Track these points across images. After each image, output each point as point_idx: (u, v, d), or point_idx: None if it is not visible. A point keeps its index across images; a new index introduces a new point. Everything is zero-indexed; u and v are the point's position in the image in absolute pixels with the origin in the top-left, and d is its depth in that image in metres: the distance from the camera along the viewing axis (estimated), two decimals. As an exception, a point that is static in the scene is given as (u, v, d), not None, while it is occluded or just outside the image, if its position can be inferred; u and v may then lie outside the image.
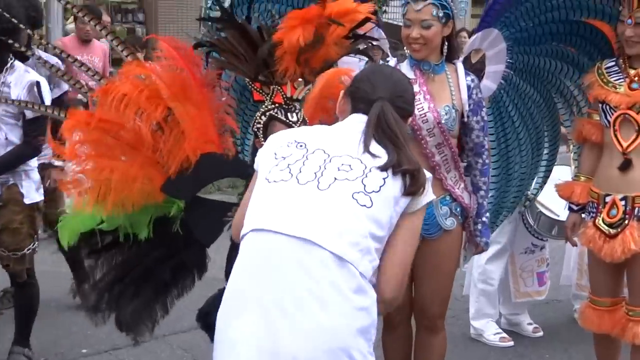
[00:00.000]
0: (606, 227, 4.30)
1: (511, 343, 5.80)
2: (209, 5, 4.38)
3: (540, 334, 5.98)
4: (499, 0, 4.29)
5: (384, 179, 2.84)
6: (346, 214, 2.79)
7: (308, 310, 2.71)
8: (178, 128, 3.65)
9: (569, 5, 4.33)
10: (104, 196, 3.60)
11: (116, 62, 9.83)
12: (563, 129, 4.93)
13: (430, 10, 3.99)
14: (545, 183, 4.88)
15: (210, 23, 4.14)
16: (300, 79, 3.80)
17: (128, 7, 19.27)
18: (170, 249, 3.85)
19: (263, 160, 2.99)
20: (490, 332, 5.84)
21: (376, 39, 4.14)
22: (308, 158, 2.89)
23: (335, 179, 2.83)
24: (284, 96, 3.79)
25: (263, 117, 3.80)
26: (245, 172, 3.54)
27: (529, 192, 4.97)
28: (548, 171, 4.83)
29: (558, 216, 5.47)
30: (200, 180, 3.71)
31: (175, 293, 3.96)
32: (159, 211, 3.75)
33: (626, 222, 4.25)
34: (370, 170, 2.85)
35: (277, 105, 3.79)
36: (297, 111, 3.80)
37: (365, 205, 2.79)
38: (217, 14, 4.00)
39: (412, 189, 2.91)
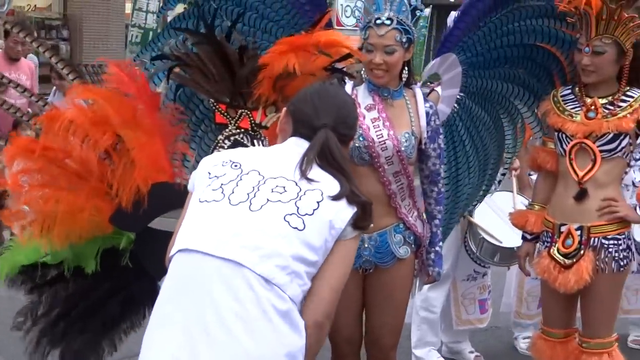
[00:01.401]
0: (561, 257, 4.25)
1: (453, 372, 5.68)
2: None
3: (482, 361, 5.87)
4: (458, 26, 4.26)
5: (318, 202, 2.79)
6: (276, 236, 2.73)
7: (233, 335, 2.64)
8: (128, 156, 3.51)
9: (524, 30, 4.30)
10: (49, 228, 3.44)
11: (43, 79, 9.52)
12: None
13: (394, 35, 3.90)
14: (480, 202, 4.86)
15: (179, 36, 3.96)
16: (272, 106, 3.68)
17: (52, 22, 18.87)
18: (119, 282, 3.72)
19: (197, 181, 2.93)
20: (433, 360, 5.70)
21: (351, 75, 4.03)
22: (242, 179, 2.83)
23: (268, 200, 2.78)
24: (252, 122, 3.68)
25: (227, 141, 3.68)
26: None
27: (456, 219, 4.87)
28: (485, 193, 4.79)
29: (501, 243, 5.43)
30: (151, 212, 3.55)
31: (124, 327, 3.81)
32: (107, 243, 3.62)
33: (582, 252, 4.20)
34: (304, 193, 2.79)
35: (242, 130, 3.68)
36: (262, 139, 3.69)
37: (297, 228, 2.74)
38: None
39: (363, 223, 2.88)
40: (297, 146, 2.93)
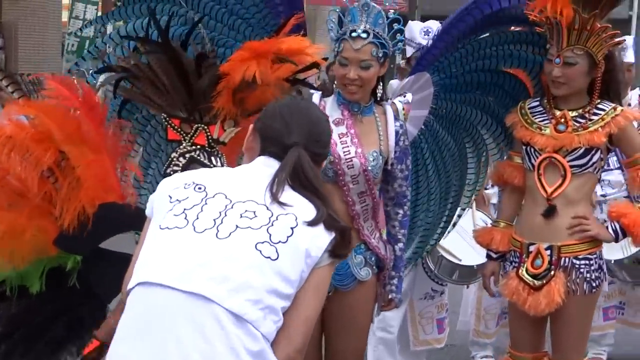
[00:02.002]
0: (530, 279, 4.08)
1: (410, 393, 5.52)
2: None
3: (440, 383, 5.68)
4: (437, 45, 4.09)
5: (292, 228, 2.54)
6: (247, 267, 2.47)
7: None
8: (73, 174, 3.27)
9: (501, 55, 4.17)
10: None
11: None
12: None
13: (370, 49, 3.71)
14: (443, 233, 4.64)
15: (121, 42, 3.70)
16: (231, 120, 3.45)
17: (-14, 29, 18.41)
18: (66, 302, 3.49)
19: (156, 205, 2.66)
20: (389, 382, 5.53)
21: (311, 85, 3.82)
22: (207, 203, 2.57)
23: (237, 226, 2.52)
24: (209, 137, 3.44)
25: (182, 158, 3.45)
26: None
27: (425, 249, 4.71)
28: (448, 222, 4.58)
29: (460, 260, 5.28)
30: (98, 234, 3.33)
31: (71, 350, 3.54)
32: (53, 262, 3.39)
33: (552, 273, 4.03)
34: (277, 219, 2.54)
35: (198, 147, 3.44)
36: (220, 156, 3.46)
37: (270, 257, 2.49)
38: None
39: (342, 251, 2.65)
40: (267, 166, 2.69)
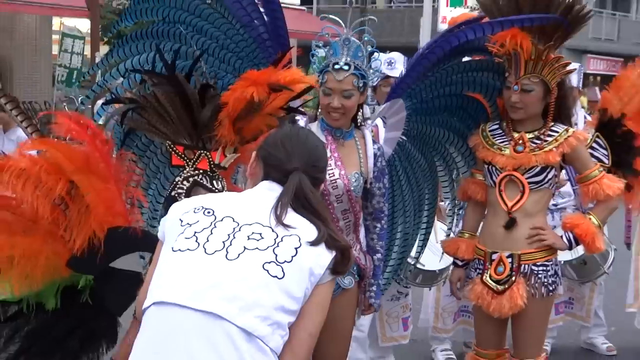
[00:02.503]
0: (494, 284, 3.97)
1: (380, 384, 5.41)
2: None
3: (405, 374, 5.57)
4: (410, 74, 3.95)
5: (296, 248, 2.42)
6: (256, 286, 2.34)
7: None
8: (83, 202, 3.11)
9: (465, 81, 4.05)
10: (7, 273, 3.03)
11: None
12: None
13: (352, 80, 3.59)
14: (425, 245, 4.51)
15: (135, 77, 3.56)
16: (231, 147, 3.33)
17: (-16, 61, 18.20)
18: (79, 318, 3.31)
19: (168, 229, 2.52)
20: (361, 375, 5.41)
21: (302, 112, 3.68)
22: (216, 226, 2.44)
23: (245, 248, 2.39)
24: (211, 163, 3.30)
25: (186, 182, 3.31)
26: (155, 246, 2.94)
27: (410, 259, 4.57)
28: (428, 234, 4.47)
29: (423, 266, 5.12)
30: (108, 256, 3.15)
31: None
32: (67, 281, 3.22)
33: (513, 278, 3.93)
34: (282, 240, 2.42)
35: (201, 171, 3.31)
36: (220, 179, 3.33)
37: (276, 277, 2.36)
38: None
39: (342, 268, 2.53)
40: (270, 190, 2.56)
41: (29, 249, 3.04)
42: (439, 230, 5.17)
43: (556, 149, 3.84)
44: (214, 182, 3.30)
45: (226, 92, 3.29)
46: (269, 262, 2.37)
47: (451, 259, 4.33)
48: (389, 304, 5.45)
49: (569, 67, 3.86)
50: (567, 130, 3.89)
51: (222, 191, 3.29)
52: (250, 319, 2.30)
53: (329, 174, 3.58)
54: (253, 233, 2.42)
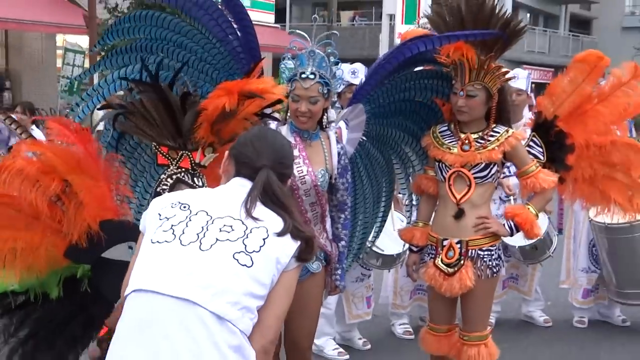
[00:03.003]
0: (445, 267, 3.91)
1: (347, 356, 5.32)
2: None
3: (369, 346, 5.55)
4: (369, 82, 3.87)
5: (264, 239, 2.35)
6: (227, 274, 2.28)
7: None
8: (77, 198, 3.03)
9: (417, 87, 3.98)
10: (11, 264, 2.95)
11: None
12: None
13: (317, 87, 3.53)
14: (381, 230, 4.45)
15: (126, 85, 3.48)
16: (209, 147, 3.25)
17: (-4, 76, 17.95)
18: (81, 304, 3.23)
19: (148, 222, 2.45)
20: (330, 348, 5.36)
21: (275, 118, 3.58)
22: (191, 219, 2.37)
23: (217, 239, 2.33)
24: (192, 162, 3.23)
25: (170, 179, 3.23)
26: None
27: (369, 240, 4.46)
28: (384, 220, 4.40)
29: (383, 250, 5.10)
30: (101, 246, 3.07)
31: (87, 344, 3.32)
32: (67, 272, 3.15)
33: (462, 262, 3.87)
34: (251, 231, 2.35)
35: (183, 169, 3.23)
36: (201, 176, 3.25)
37: (245, 265, 2.30)
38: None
39: (307, 256, 2.47)
40: (241, 186, 2.49)
41: (30, 242, 2.97)
42: (396, 219, 5.12)
43: (498, 148, 3.79)
44: (195, 179, 3.24)
45: (204, 99, 3.22)
46: (239, 252, 2.31)
47: (407, 245, 4.27)
48: (354, 285, 5.40)
49: (508, 75, 3.81)
50: (507, 131, 3.83)
51: (202, 187, 3.22)
52: (221, 304, 2.24)
53: (297, 171, 3.53)
54: (225, 225, 2.36)
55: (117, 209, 3.11)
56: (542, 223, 5.74)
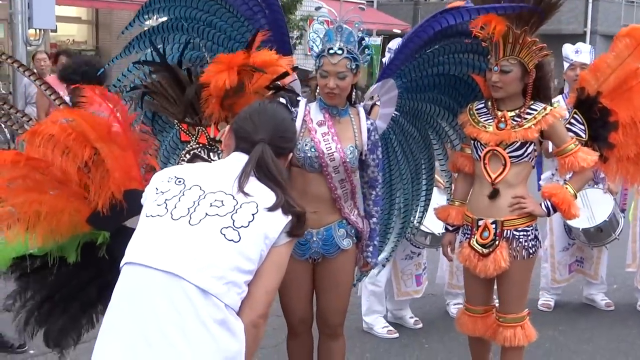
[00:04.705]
0: (480, 247, 3.83)
1: (396, 335, 5.30)
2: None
3: (420, 325, 5.50)
4: (398, 57, 3.81)
5: (253, 214, 2.35)
6: (213, 249, 2.29)
7: (172, 342, 2.21)
8: (103, 167, 3.09)
9: (451, 62, 3.89)
10: (34, 227, 3.03)
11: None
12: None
13: (345, 63, 3.49)
14: (427, 210, 4.35)
15: (145, 66, 3.52)
16: (223, 122, 3.25)
17: (87, 53, 18.45)
18: (97, 270, 3.29)
19: (148, 196, 2.48)
20: (379, 326, 5.35)
21: (294, 92, 3.59)
22: (184, 194, 2.39)
23: (207, 214, 2.33)
24: (208, 137, 3.26)
25: (187, 155, 3.28)
26: None
27: (414, 221, 4.38)
28: (428, 199, 4.31)
29: (431, 229, 5.04)
30: (123, 215, 3.12)
31: (100, 308, 3.37)
32: (86, 237, 3.21)
33: (497, 242, 3.79)
34: (240, 206, 2.35)
35: (201, 145, 3.27)
36: (219, 152, 3.26)
37: (232, 240, 2.31)
38: None
39: (298, 231, 2.46)
40: (238, 160, 2.49)
41: (55, 206, 3.02)
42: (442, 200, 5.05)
43: (534, 126, 3.67)
44: (211, 154, 3.26)
45: (203, 74, 3.21)
46: (227, 227, 2.32)
47: None
48: (404, 262, 5.37)
49: (544, 51, 3.66)
50: (545, 109, 3.71)
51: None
52: (206, 279, 2.26)
53: (326, 148, 3.51)
54: (215, 200, 2.37)
55: (142, 179, 3.13)
56: (608, 204, 5.59)
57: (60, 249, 3.20)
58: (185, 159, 3.26)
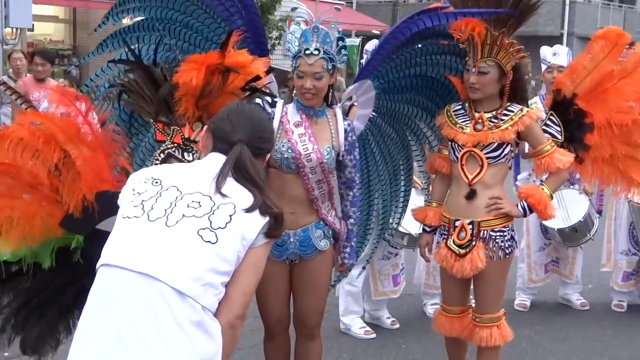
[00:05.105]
0: (456, 248, 3.83)
1: (374, 335, 5.30)
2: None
3: (397, 326, 5.51)
4: (375, 57, 3.81)
5: (230, 215, 2.33)
6: (190, 250, 2.27)
7: (148, 344, 2.19)
8: (74, 169, 3.06)
9: (429, 63, 3.89)
10: (7, 233, 2.99)
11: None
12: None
13: (322, 63, 3.49)
14: (404, 212, 4.33)
15: (120, 65, 3.49)
16: (198, 122, 3.22)
17: (64, 52, 18.34)
18: (73, 275, 3.25)
19: (124, 197, 2.45)
20: (357, 326, 5.35)
21: (271, 94, 3.58)
22: (161, 195, 2.37)
23: (184, 215, 2.32)
24: (183, 137, 3.23)
25: (162, 154, 3.24)
26: None
27: (392, 223, 4.36)
28: (406, 200, 4.29)
29: (408, 230, 5.02)
30: (95, 217, 3.08)
31: (77, 313, 3.31)
32: (60, 242, 3.17)
33: (473, 243, 3.79)
34: (218, 208, 2.33)
35: (175, 145, 3.23)
36: (193, 152, 3.23)
37: (209, 242, 2.29)
38: None
39: (276, 233, 2.44)
40: (215, 161, 2.47)
41: (27, 211, 2.99)
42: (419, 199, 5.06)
43: (511, 127, 3.69)
44: (185, 154, 3.23)
45: (176, 74, 3.19)
46: (204, 229, 2.30)
47: None
48: (381, 262, 5.38)
49: (522, 53, 3.68)
50: (521, 110, 3.73)
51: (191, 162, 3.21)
52: (182, 280, 2.24)
53: (303, 149, 3.50)
54: (193, 201, 2.35)
55: (114, 181, 3.10)
56: (583, 205, 5.63)
57: (34, 255, 3.16)
58: (160, 159, 3.22)
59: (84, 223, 3.07)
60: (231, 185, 2.41)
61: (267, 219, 2.40)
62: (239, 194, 2.40)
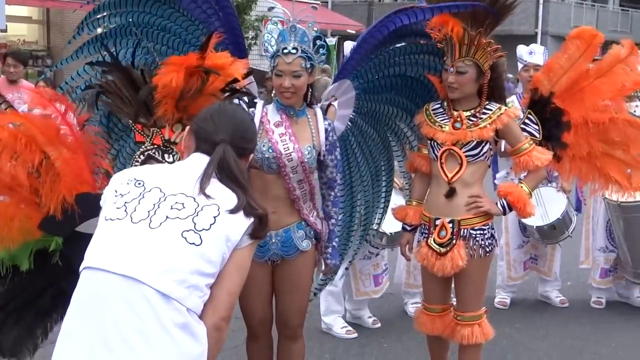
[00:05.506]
0: (437, 247, 3.85)
1: (355, 335, 5.33)
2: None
3: (378, 325, 5.54)
4: (354, 57, 3.82)
5: (214, 217, 2.33)
6: (173, 252, 2.27)
7: (132, 347, 2.18)
8: (54, 170, 3.03)
9: (408, 63, 3.93)
10: None
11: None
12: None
13: (300, 62, 3.49)
14: (386, 213, 4.37)
15: (98, 67, 3.49)
16: (178, 124, 3.22)
17: (38, 53, 18.18)
18: (51, 278, 3.23)
19: (107, 198, 2.43)
20: (338, 326, 5.37)
21: (251, 94, 3.58)
22: (144, 196, 2.36)
23: (167, 217, 2.31)
24: (163, 138, 3.23)
25: (142, 156, 3.23)
26: None
27: (374, 223, 4.41)
28: (387, 201, 4.33)
29: (385, 229, 5.06)
30: (75, 219, 3.06)
31: (55, 317, 3.31)
32: (39, 244, 3.15)
33: (454, 241, 3.81)
34: (202, 209, 2.32)
35: (155, 146, 3.23)
36: (173, 153, 3.23)
37: (194, 243, 2.28)
38: None
39: (260, 233, 2.44)
40: (198, 162, 2.46)
41: (5, 213, 2.97)
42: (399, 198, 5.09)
43: (490, 125, 3.72)
44: (165, 155, 3.22)
45: (155, 76, 3.19)
46: (188, 230, 2.30)
47: None
48: (362, 262, 5.39)
49: (499, 52, 3.71)
50: (500, 109, 3.76)
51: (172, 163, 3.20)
52: (166, 283, 2.24)
53: (284, 149, 3.51)
54: (176, 203, 2.34)
55: (94, 182, 3.09)
56: (561, 202, 5.68)
57: (12, 258, 3.14)
58: (139, 160, 3.22)
59: (63, 225, 3.06)
60: (215, 186, 2.40)
61: (252, 220, 2.39)
62: (223, 195, 2.39)
